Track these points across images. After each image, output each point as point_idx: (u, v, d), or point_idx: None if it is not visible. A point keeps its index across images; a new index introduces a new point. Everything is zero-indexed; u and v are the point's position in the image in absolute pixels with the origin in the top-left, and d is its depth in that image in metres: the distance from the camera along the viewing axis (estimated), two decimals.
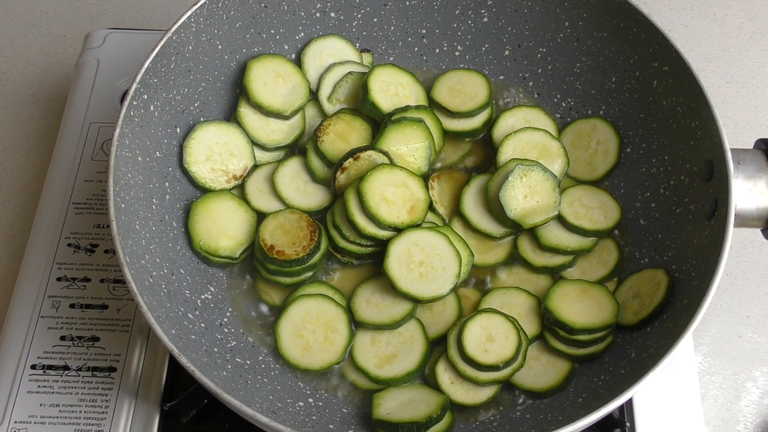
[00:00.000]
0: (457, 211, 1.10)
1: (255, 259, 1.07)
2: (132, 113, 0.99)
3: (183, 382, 1.08)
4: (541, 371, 1.02)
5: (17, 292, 1.15)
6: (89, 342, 1.11)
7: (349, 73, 1.16)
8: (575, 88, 1.19)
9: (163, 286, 0.98)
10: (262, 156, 1.14)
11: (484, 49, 1.22)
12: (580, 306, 1.01)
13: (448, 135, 1.17)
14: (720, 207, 0.95)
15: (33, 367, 1.09)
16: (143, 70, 1.00)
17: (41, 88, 1.47)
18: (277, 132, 1.14)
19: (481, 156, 1.18)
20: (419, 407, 0.96)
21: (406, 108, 1.12)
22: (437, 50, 1.23)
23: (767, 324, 1.25)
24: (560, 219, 1.08)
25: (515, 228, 1.08)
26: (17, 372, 1.09)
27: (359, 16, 1.20)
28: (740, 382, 1.21)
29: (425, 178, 1.11)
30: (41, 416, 1.06)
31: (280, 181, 1.10)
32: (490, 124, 1.17)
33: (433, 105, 1.18)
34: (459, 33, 1.22)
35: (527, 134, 1.13)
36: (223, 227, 1.06)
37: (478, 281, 1.09)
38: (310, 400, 1.00)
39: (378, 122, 1.14)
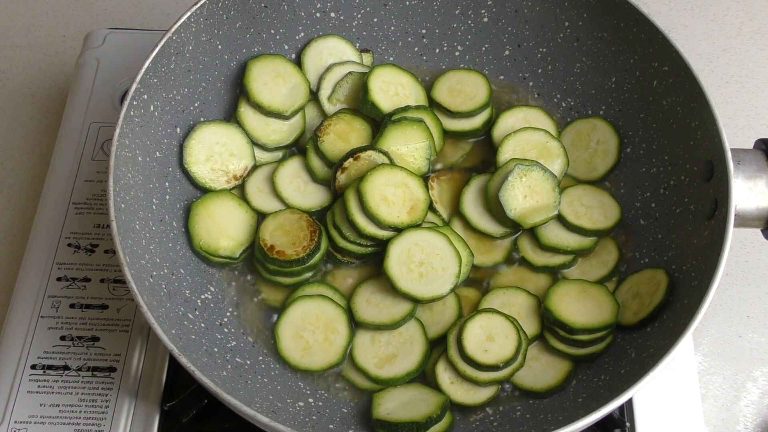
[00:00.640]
0: (456, 211, 1.10)
1: (255, 259, 1.07)
2: (132, 113, 0.99)
3: (183, 382, 1.08)
4: (541, 371, 1.02)
5: (17, 292, 1.15)
6: (89, 342, 1.11)
7: (349, 73, 1.16)
8: (575, 88, 1.19)
9: (163, 286, 0.98)
10: (262, 156, 1.14)
11: (484, 49, 1.22)
12: (580, 306, 1.01)
13: (449, 135, 1.17)
14: (720, 207, 0.95)
15: (33, 367, 1.09)
16: (143, 70, 1.00)
17: (41, 88, 1.47)
18: (278, 132, 1.14)
19: (481, 156, 1.18)
20: (419, 407, 0.96)
21: (407, 108, 1.12)
22: (437, 50, 1.23)
23: (767, 324, 1.25)
24: (560, 219, 1.08)
25: (515, 228, 1.08)
26: (17, 372, 1.09)
27: (359, 16, 1.20)
28: (740, 382, 1.21)
29: (425, 178, 1.11)
30: (41, 416, 1.06)
31: (280, 181, 1.10)
32: (490, 124, 1.17)
33: (433, 105, 1.18)
34: (459, 33, 1.22)
35: (527, 134, 1.13)
36: (223, 227, 1.06)
37: (478, 281, 1.09)
38: (310, 400, 1.00)
39: (378, 122, 1.14)
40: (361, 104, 1.13)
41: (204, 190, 1.10)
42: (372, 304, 1.04)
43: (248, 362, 1.01)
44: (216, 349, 0.99)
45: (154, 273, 0.97)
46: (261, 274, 1.06)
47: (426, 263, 1.02)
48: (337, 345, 1.02)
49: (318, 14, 1.19)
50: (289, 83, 1.14)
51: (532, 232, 1.09)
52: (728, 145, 0.96)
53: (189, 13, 1.05)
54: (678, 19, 1.54)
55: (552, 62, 1.19)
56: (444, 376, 1.01)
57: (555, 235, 1.08)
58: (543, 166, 1.08)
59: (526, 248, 1.09)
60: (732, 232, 0.92)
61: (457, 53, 1.23)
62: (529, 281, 1.08)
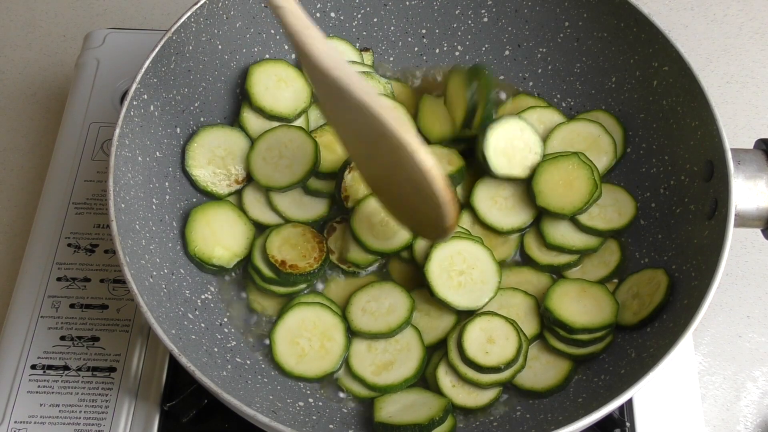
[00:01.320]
0: (466, 203, 1.10)
1: (250, 266, 1.06)
2: (132, 113, 0.99)
3: (183, 382, 1.08)
4: (542, 371, 1.02)
5: (17, 292, 1.15)
6: (89, 342, 1.11)
7: None
8: (575, 88, 1.19)
9: (163, 286, 0.98)
10: None
11: (484, 49, 1.22)
12: (580, 306, 1.01)
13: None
14: (720, 207, 0.95)
15: (33, 367, 1.09)
16: (143, 70, 1.00)
17: (41, 88, 1.47)
18: None
19: None
20: (421, 410, 0.96)
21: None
22: (437, 50, 1.23)
23: (767, 324, 1.25)
24: (573, 221, 1.08)
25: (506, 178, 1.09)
26: (17, 372, 1.09)
27: (359, 16, 1.20)
28: (740, 382, 1.21)
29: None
30: (41, 416, 1.06)
31: (275, 193, 1.10)
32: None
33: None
34: (459, 33, 1.22)
35: (580, 125, 1.13)
36: (220, 236, 1.06)
37: None
38: (310, 400, 1.00)
39: None
40: None
41: (205, 194, 1.09)
42: (368, 313, 1.03)
43: (248, 362, 1.01)
44: (216, 349, 0.99)
45: (154, 273, 0.97)
46: (255, 283, 1.06)
47: (466, 273, 1.02)
48: (333, 353, 1.01)
49: (318, 14, 1.19)
50: (291, 87, 1.14)
51: (539, 231, 1.09)
52: (728, 145, 0.96)
53: (189, 13, 1.05)
54: (678, 19, 1.54)
55: (552, 62, 1.19)
56: (445, 379, 1.01)
57: (561, 234, 1.08)
58: (516, 117, 1.08)
59: (532, 246, 1.09)
60: (732, 232, 0.92)
61: (457, 53, 1.23)
62: (529, 282, 1.08)
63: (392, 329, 1.01)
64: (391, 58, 1.24)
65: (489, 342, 0.99)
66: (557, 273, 1.09)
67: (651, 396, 1.09)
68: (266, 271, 1.04)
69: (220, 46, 1.11)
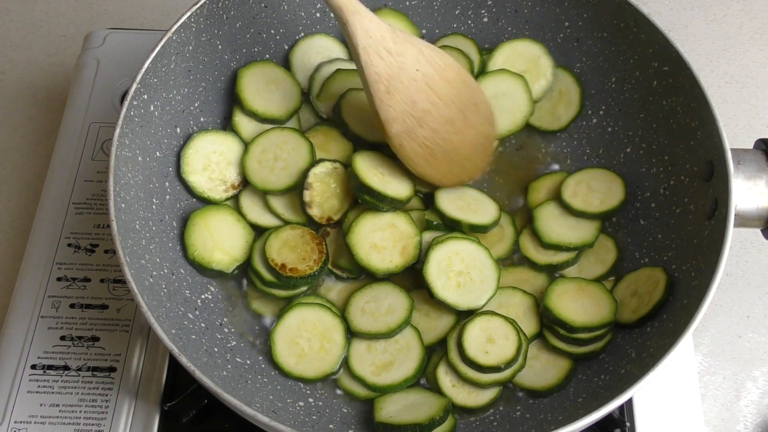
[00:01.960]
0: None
1: (250, 269, 1.06)
2: (132, 113, 0.99)
3: (183, 382, 1.08)
4: (542, 370, 1.02)
5: (17, 292, 1.15)
6: (89, 342, 1.11)
7: (337, 70, 1.16)
8: None
9: (163, 286, 0.98)
10: None
11: (483, 49, 1.22)
12: (579, 304, 1.02)
13: None
14: (720, 207, 0.95)
15: (33, 367, 1.09)
16: (143, 70, 1.00)
17: (41, 88, 1.47)
18: None
19: None
20: (421, 410, 0.96)
21: None
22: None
23: (767, 324, 1.25)
24: (565, 206, 1.09)
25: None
26: (17, 372, 1.09)
27: None
28: (740, 382, 1.21)
29: None
30: (41, 416, 1.06)
31: (272, 196, 1.09)
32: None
33: None
34: (459, 33, 1.22)
35: (522, 45, 1.17)
36: (219, 241, 1.05)
37: None
38: (310, 400, 1.00)
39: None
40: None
41: (201, 200, 1.09)
42: (367, 313, 1.03)
43: (248, 362, 1.01)
44: (216, 349, 0.99)
45: (154, 273, 0.97)
46: (255, 285, 1.06)
47: (465, 273, 1.02)
48: (332, 354, 1.01)
49: (318, 14, 1.19)
50: (282, 88, 1.14)
51: (533, 231, 1.09)
52: (728, 145, 0.96)
53: (189, 13, 1.05)
54: (678, 19, 1.54)
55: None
56: (445, 379, 1.01)
57: (556, 233, 1.08)
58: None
59: (528, 247, 1.09)
60: (732, 232, 0.92)
61: None
62: (527, 282, 1.08)
63: (392, 329, 1.01)
64: None
65: (489, 342, 0.99)
66: (555, 272, 1.09)
67: (651, 396, 1.09)
68: (266, 275, 1.04)
69: (220, 46, 1.11)
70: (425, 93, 1.00)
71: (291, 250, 1.04)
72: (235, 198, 1.11)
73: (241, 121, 1.12)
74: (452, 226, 1.07)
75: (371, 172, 1.05)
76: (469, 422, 1.00)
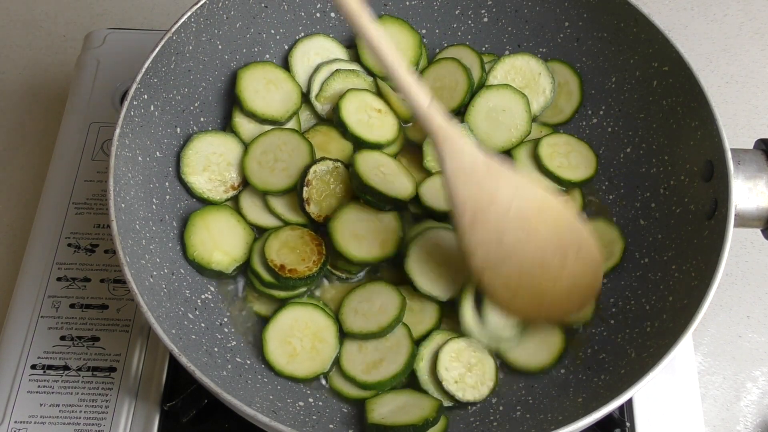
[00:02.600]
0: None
1: (249, 270, 1.06)
2: (132, 113, 0.99)
3: (183, 382, 1.08)
4: (535, 350, 1.03)
5: (17, 292, 1.15)
6: (89, 342, 1.11)
7: (337, 70, 1.16)
8: None
9: (163, 286, 0.98)
10: None
11: (484, 49, 1.22)
12: (566, 160, 1.11)
13: None
14: (720, 207, 0.95)
15: (33, 367, 1.09)
16: (143, 70, 1.00)
17: (41, 88, 1.47)
18: None
19: None
20: (413, 411, 0.96)
21: None
22: (437, 50, 1.23)
23: (767, 324, 1.25)
24: (541, 169, 1.11)
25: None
26: (17, 372, 1.09)
27: None
28: (740, 382, 1.21)
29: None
30: (41, 416, 1.06)
31: (272, 197, 1.09)
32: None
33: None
34: (459, 33, 1.22)
35: (520, 60, 1.17)
36: (219, 241, 1.05)
37: None
38: (310, 400, 1.00)
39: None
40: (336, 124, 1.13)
41: (201, 200, 1.09)
42: (360, 314, 1.03)
43: (248, 362, 1.01)
44: (216, 349, 0.99)
45: (154, 273, 0.97)
46: (254, 286, 1.06)
47: (443, 265, 1.03)
48: (323, 355, 1.01)
49: (318, 14, 1.19)
50: (282, 89, 1.14)
51: None
52: (728, 145, 0.96)
53: (189, 13, 1.05)
54: (678, 19, 1.55)
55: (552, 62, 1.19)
56: (447, 375, 1.01)
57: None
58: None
59: None
60: (732, 232, 0.92)
61: None
62: None
63: (383, 328, 1.01)
64: None
65: (468, 370, 1.01)
66: None
67: (651, 396, 1.09)
68: (265, 276, 1.04)
69: (220, 46, 1.11)
70: (515, 232, 0.92)
71: (290, 250, 1.04)
72: (235, 198, 1.11)
73: (241, 122, 1.12)
74: (441, 218, 1.07)
75: (372, 172, 1.05)
76: (469, 422, 1.00)
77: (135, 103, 0.99)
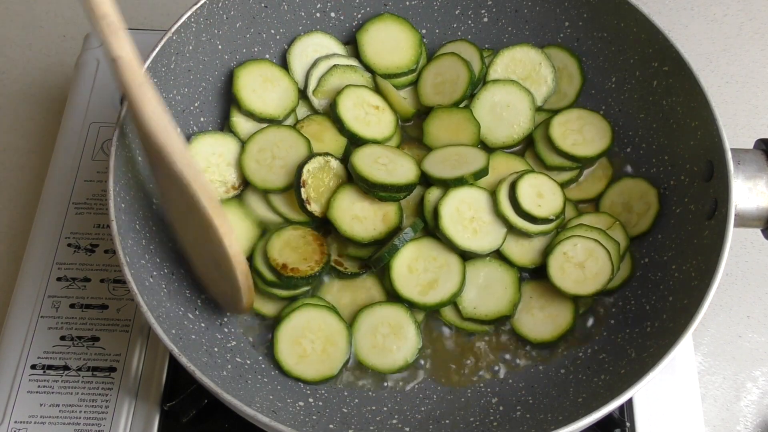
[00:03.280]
0: None
1: (251, 269, 1.06)
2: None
3: (183, 382, 1.08)
4: (542, 322, 1.05)
5: (17, 292, 1.15)
6: (89, 342, 1.11)
7: (334, 65, 1.16)
8: None
9: (163, 286, 0.98)
10: None
11: (484, 48, 1.22)
12: (580, 136, 1.11)
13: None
14: (720, 207, 0.95)
15: (33, 367, 1.09)
16: (143, 70, 1.00)
17: (41, 88, 1.47)
18: None
19: None
20: (497, 290, 1.04)
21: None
22: (437, 50, 1.23)
23: (767, 324, 1.25)
24: (553, 147, 1.12)
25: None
26: (17, 372, 1.09)
27: (359, 16, 1.20)
28: (740, 382, 1.21)
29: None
30: (41, 416, 1.06)
31: (273, 195, 1.09)
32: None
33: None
34: (459, 33, 1.22)
35: (521, 51, 1.17)
36: None
37: None
38: (310, 399, 1.00)
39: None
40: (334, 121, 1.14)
41: None
42: (377, 343, 1.04)
43: (248, 362, 1.01)
44: (216, 349, 0.99)
45: (154, 273, 0.97)
46: (256, 284, 1.05)
47: (476, 218, 1.05)
48: (333, 359, 1.01)
49: (318, 14, 1.19)
50: (278, 87, 1.14)
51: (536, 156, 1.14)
52: (728, 145, 0.96)
53: (189, 13, 1.05)
54: (678, 19, 1.54)
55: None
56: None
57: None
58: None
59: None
60: (732, 232, 0.92)
61: None
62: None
63: (400, 367, 1.03)
64: None
65: (539, 196, 1.05)
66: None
67: (651, 396, 1.09)
68: (268, 275, 1.04)
69: (220, 46, 1.11)
70: None
71: (293, 250, 1.04)
72: (240, 196, 1.11)
73: (239, 121, 1.12)
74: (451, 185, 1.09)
75: (374, 167, 1.05)
76: (469, 422, 1.00)
77: None
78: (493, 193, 1.06)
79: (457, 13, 1.21)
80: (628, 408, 1.09)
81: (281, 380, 1.01)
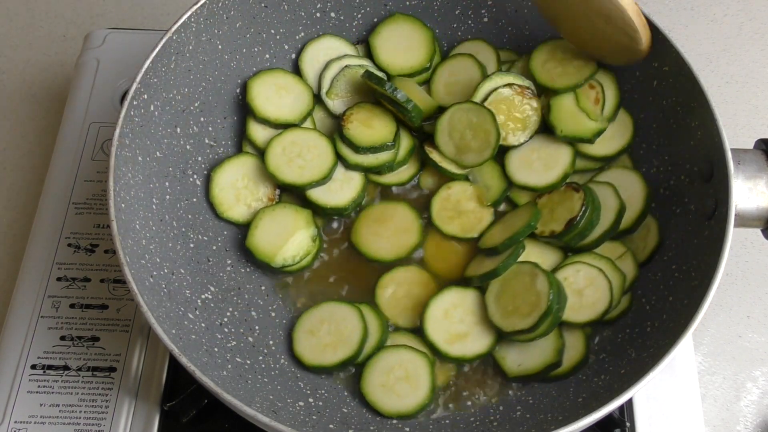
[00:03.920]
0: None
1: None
2: (132, 113, 0.99)
3: (183, 382, 1.08)
4: (529, 356, 1.02)
5: (17, 292, 1.15)
6: (89, 342, 1.11)
7: (346, 66, 1.16)
8: None
9: (163, 286, 0.98)
10: None
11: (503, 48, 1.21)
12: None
13: None
14: (720, 207, 0.95)
15: (33, 367, 1.09)
16: (143, 70, 1.00)
17: (41, 88, 1.47)
18: None
19: None
20: (538, 350, 1.00)
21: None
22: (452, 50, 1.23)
23: (767, 324, 1.25)
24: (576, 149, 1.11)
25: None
26: (17, 372, 1.09)
27: (359, 16, 1.20)
28: (740, 382, 1.21)
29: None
30: (41, 416, 1.06)
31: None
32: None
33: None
34: (459, 33, 1.22)
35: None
36: (243, 195, 1.09)
37: None
38: (311, 399, 1.00)
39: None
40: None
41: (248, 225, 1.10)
42: (387, 388, 1.02)
43: (248, 362, 1.01)
44: (216, 349, 0.99)
45: (154, 273, 0.97)
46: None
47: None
48: (350, 342, 1.02)
49: (318, 14, 1.19)
50: (292, 93, 1.15)
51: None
52: (728, 145, 0.96)
53: (189, 13, 1.05)
54: (678, 19, 1.55)
55: None
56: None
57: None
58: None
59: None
60: (732, 232, 0.92)
61: None
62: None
63: (400, 414, 1.00)
64: None
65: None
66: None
67: (651, 396, 1.09)
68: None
69: (220, 46, 1.11)
70: None
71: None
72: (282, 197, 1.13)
73: (256, 131, 1.13)
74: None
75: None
76: (469, 422, 1.00)
77: (135, 103, 0.99)
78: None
79: (457, 13, 1.21)
80: (628, 408, 1.09)
81: (281, 380, 1.01)
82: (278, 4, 1.14)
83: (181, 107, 1.09)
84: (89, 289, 1.15)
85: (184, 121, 1.10)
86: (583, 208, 1.02)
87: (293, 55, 1.19)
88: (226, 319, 1.05)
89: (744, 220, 1.00)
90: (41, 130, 1.42)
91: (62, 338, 1.12)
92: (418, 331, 1.04)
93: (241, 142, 1.16)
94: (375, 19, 1.21)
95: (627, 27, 0.99)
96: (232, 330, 1.04)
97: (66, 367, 1.10)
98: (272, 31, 1.16)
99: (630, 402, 1.09)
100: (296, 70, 1.18)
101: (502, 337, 1.01)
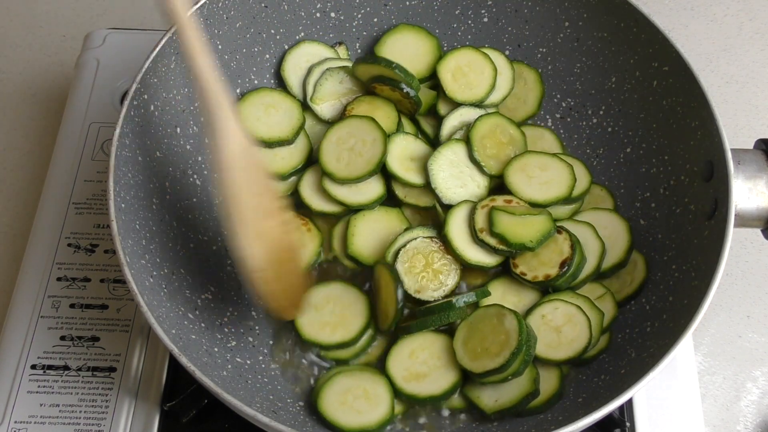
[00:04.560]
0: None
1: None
2: (132, 113, 0.99)
3: (183, 382, 1.08)
4: (502, 392, 0.99)
5: (17, 292, 1.15)
6: (89, 342, 1.11)
7: (327, 69, 1.16)
8: (575, 88, 1.19)
9: (163, 286, 0.98)
10: (281, 185, 1.15)
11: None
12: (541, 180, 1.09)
13: None
14: (720, 207, 0.95)
15: (33, 367, 1.09)
16: (143, 70, 1.00)
17: (41, 88, 1.47)
18: (287, 158, 1.14)
19: None
20: (517, 382, 0.97)
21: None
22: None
23: (767, 324, 1.25)
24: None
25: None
26: (17, 372, 1.09)
27: (359, 16, 1.20)
28: (740, 382, 1.21)
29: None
30: (41, 416, 1.06)
31: (331, 184, 1.11)
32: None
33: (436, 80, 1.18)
34: (459, 33, 1.22)
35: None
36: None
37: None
38: (311, 400, 1.00)
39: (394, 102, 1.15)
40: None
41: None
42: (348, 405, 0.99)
43: (248, 362, 1.01)
44: (216, 349, 0.99)
45: (154, 273, 0.97)
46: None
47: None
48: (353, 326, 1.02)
49: (318, 14, 1.19)
50: (281, 109, 1.15)
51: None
52: (728, 145, 0.96)
53: (189, 13, 1.04)
54: (678, 19, 1.55)
55: (552, 62, 1.19)
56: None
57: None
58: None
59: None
60: (732, 232, 0.92)
61: None
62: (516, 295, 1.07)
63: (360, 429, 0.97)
64: None
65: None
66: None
67: (651, 396, 1.09)
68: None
69: (220, 46, 1.11)
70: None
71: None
72: (296, 194, 1.13)
73: None
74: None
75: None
76: (469, 422, 1.00)
77: (135, 103, 0.99)
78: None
79: (457, 13, 1.21)
80: (628, 408, 1.09)
81: (281, 380, 1.01)
82: (278, 4, 1.14)
83: (181, 107, 1.09)
84: (89, 289, 1.15)
85: (184, 121, 1.09)
86: (572, 247, 1.02)
87: (284, 63, 1.19)
88: (226, 319, 1.05)
89: (744, 220, 1.00)
90: (41, 130, 1.42)
91: (62, 338, 1.12)
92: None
93: None
94: (375, 19, 1.21)
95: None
96: (232, 330, 1.04)
97: (66, 367, 1.10)
98: (272, 31, 1.16)
99: (630, 402, 1.09)
100: (280, 81, 1.18)
101: (471, 380, 0.99)
